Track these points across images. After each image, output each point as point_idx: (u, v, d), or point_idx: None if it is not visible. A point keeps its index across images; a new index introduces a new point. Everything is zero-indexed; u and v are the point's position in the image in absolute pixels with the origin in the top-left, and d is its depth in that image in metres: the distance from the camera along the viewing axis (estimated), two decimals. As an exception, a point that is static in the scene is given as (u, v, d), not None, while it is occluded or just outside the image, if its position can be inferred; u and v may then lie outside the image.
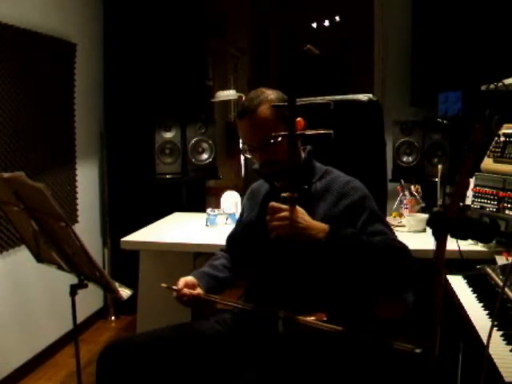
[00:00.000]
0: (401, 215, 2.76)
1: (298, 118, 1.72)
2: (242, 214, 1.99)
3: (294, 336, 1.56)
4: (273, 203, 1.55)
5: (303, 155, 1.80)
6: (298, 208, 1.54)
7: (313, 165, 1.80)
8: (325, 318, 1.52)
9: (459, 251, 1.78)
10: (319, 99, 2.05)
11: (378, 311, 1.78)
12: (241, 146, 1.78)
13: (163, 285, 1.72)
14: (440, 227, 1.13)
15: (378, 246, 1.57)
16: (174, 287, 1.71)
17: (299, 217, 1.53)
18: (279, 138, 1.64)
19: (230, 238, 2.01)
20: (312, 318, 1.52)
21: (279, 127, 1.63)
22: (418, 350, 1.38)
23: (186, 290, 1.70)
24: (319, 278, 1.64)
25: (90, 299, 3.69)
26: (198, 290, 1.74)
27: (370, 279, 1.60)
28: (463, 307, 1.61)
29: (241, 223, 1.97)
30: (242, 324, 1.74)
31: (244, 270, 1.89)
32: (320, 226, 1.57)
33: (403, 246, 1.62)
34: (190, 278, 1.76)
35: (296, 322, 1.52)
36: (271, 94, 1.73)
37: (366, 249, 1.56)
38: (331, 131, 1.55)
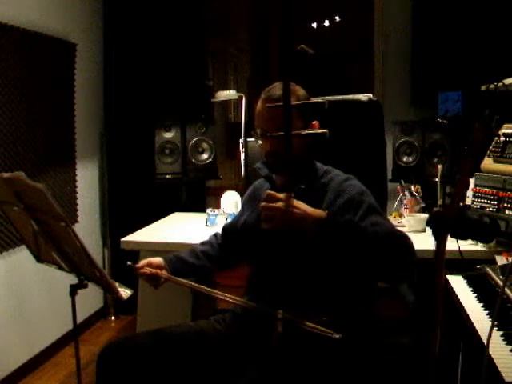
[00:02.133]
0: (401, 215, 2.75)
1: (314, 122, 1.73)
2: (241, 210, 1.99)
3: (293, 335, 1.56)
4: (270, 192, 1.49)
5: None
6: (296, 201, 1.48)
7: (313, 164, 1.80)
8: (325, 319, 1.52)
9: (459, 251, 1.78)
10: (319, 99, 2.05)
11: (378, 310, 1.78)
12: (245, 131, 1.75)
13: (128, 263, 1.81)
14: (440, 227, 1.12)
15: (377, 231, 1.52)
16: (136, 265, 1.81)
17: (296, 207, 1.46)
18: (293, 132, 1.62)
19: (226, 228, 2.02)
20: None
21: (297, 124, 1.63)
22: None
23: (146, 269, 1.78)
24: (318, 275, 1.63)
25: (90, 299, 3.69)
26: (163, 272, 1.81)
27: (370, 265, 1.53)
28: (463, 307, 1.61)
29: (239, 220, 1.96)
30: (241, 323, 1.74)
31: (235, 259, 1.96)
32: (318, 212, 1.50)
33: (403, 234, 1.57)
34: (156, 259, 1.85)
35: (294, 323, 1.52)
36: (299, 90, 1.75)
37: (364, 234, 1.50)
38: (326, 130, 1.55)
